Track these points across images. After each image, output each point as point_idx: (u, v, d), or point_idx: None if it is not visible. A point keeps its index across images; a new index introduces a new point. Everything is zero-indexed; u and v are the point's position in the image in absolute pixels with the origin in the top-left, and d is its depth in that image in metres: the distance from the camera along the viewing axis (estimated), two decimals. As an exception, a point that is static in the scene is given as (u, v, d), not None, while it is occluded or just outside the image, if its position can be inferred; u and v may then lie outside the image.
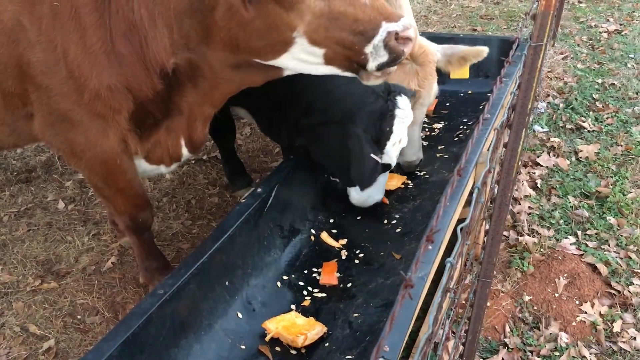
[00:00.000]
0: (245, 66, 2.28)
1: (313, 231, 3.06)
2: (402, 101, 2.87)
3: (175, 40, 2.20)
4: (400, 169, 3.39)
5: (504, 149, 1.92)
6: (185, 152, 2.73)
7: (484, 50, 3.29)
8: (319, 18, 2.00)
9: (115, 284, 3.38)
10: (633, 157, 4.43)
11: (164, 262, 3.11)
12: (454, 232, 3.29)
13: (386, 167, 2.95)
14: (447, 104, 4.47)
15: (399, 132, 2.87)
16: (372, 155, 2.77)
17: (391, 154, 2.91)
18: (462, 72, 3.53)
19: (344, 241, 2.98)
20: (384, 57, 2.04)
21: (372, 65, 2.08)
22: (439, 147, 3.81)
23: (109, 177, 2.60)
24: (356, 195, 3.04)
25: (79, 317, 3.17)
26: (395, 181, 3.31)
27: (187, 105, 2.49)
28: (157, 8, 2.15)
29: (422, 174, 3.49)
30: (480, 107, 4.37)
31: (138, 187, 2.77)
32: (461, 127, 4.08)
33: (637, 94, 5.44)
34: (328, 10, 1.99)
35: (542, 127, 4.91)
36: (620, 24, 7.27)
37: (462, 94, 4.66)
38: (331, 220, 3.14)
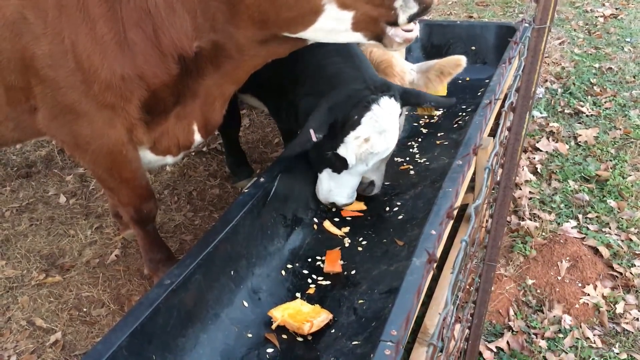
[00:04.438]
0: (272, 40, 2.29)
1: (316, 220, 3.07)
2: (387, 102, 2.65)
3: (199, 24, 2.21)
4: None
5: (508, 133, 1.93)
6: (198, 138, 2.72)
7: (461, 60, 3.19)
8: None
9: (120, 277, 3.39)
10: (632, 140, 4.45)
11: (168, 254, 3.12)
12: (459, 216, 3.31)
13: (343, 163, 2.76)
14: (446, 91, 4.47)
15: (366, 129, 2.64)
16: (311, 130, 2.59)
17: (350, 148, 2.69)
18: (439, 90, 3.30)
19: (346, 229, 2.99)
20: (414, 7, 2.05)
21: (403, 17, 2.08)
22: (439, 134, 3.83)
23: (114, 168, 2.60)
24: (318, 185, 2.97)
25: (84, 309, 3.19)
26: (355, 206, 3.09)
27: (204, 88, 2.49)
28: None
29: (422, 161, 3.50)
30: (479, 93, 4.38)
31: (142, 178, 2.77)
32: (460, 113, 4.08)
33: (634, 77, 5.45)
34: None
35: (540, 113, 4.92)
36: (616, 8, 7.26)
37: (460, 81, 4.66)
38: (333, 209, 3.15)
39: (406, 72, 3.24)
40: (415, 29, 2.19)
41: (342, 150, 2.72)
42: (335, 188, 2.91)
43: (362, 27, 2.14)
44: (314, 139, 2.60)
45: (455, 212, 2.16)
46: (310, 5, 2.06)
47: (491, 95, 3.19)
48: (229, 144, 4.06)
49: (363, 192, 3.07)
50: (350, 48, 2.83)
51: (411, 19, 2.09)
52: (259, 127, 4.95)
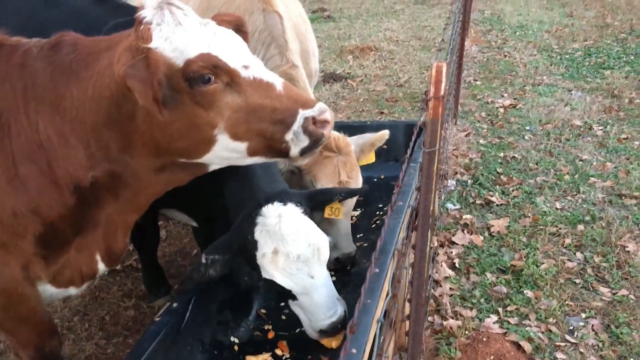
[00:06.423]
0: (170, 167, 2.27)
1: (236, 340, 2.94)
2: (271, 210, 2.56)
3: (92, 153, 2.17)
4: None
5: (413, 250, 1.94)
6: (101, 267, 2.60)
7: (386, 134, 3.61)
8: (237, 113, 2.03)
9: (22, 423, 3.06)
10: (540, 227, 4.63)
11: (75, 393, 2.88)
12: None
13: (279, 287, 2.55)
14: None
15: (265, 244, 2.51)
16: (202, 255, 2.56)
17: (268, 268, 2.53)
18: (368, 158, 3.67)
19: (268, 355, 2.86)
20: (304, 141, 2.09)
21: (294, 151, 2.12)
22: (358, 236, 3.84)
23: (9, 308, 2.44)
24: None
25: None
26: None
27: (105, 217, 2.41)
28: (67, 126, 2.12)
29: (342, 265, 3.48)
30: (394, 192, 4.48)
31: (43, 315, 2.59)
32: (377, 212, 4.15)
33: (537, 164, 5.77)
34: (245, 104, 2.03)
35: (454, 205, 5.08)
36: (514, 98, 7.80)
37: (375, 179, 4.76)
38: (253, 325, 3.04)
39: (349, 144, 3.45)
40: None
41: (266, 275, 2.56)
42: (310, 315, 2.63)
43: (258, 154, 2.17)
44: (204, 261, 2.55)
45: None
46: (202, 135, 2.07)
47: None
48: (146, 261, 3.89)
49: (347, 262, 3.30)
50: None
51: (303, 152, 2.13)
52: (176, 239, 4.81)
